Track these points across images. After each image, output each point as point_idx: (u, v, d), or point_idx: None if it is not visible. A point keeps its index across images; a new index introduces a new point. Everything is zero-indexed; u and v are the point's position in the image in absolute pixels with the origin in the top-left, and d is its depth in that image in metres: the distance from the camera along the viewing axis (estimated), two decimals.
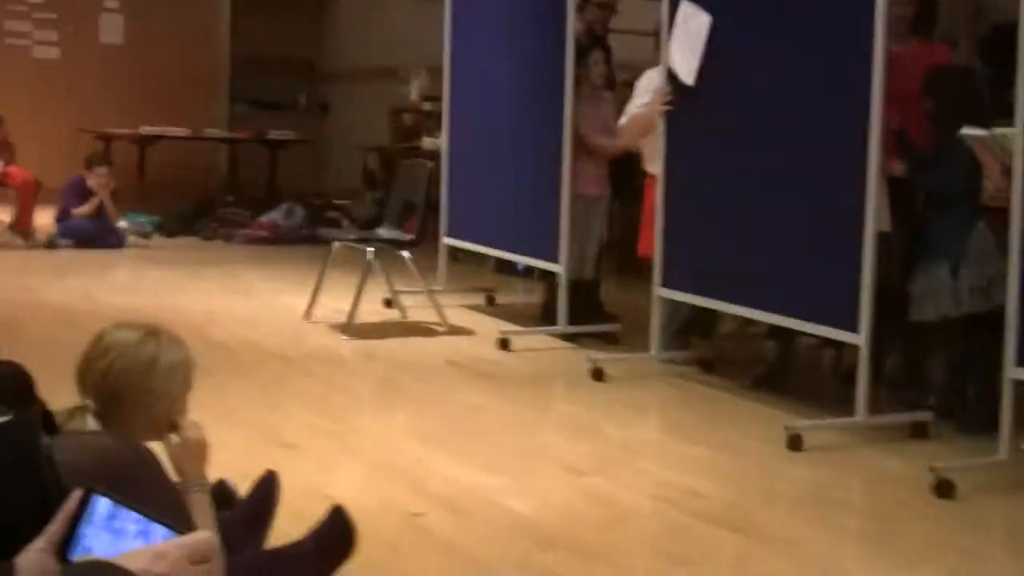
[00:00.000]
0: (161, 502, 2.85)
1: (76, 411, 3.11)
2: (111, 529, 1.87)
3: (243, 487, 3.93)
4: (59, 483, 2.27)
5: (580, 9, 7.89)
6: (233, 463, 4.97)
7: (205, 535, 1.92)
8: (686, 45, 6.78)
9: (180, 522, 2.17)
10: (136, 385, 3.12)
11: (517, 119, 8.29)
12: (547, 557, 4.34)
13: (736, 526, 4.68)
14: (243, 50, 15.62)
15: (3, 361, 3.44)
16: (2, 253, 10.63)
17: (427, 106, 12.78)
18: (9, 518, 1.97)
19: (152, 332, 3.22)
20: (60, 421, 3.04)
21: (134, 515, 1.89)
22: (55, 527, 1.87)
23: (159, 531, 1.90)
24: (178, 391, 3.21)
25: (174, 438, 3.19)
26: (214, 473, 3.45)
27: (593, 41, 8.19)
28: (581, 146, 7.77)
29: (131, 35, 15.05)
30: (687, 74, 6.78)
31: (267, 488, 3.83)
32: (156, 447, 3.02)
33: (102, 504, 1.89)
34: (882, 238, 5.85)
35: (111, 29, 15.01)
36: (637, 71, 9.69)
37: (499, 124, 8.51)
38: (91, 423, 3.07)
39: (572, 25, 7.68)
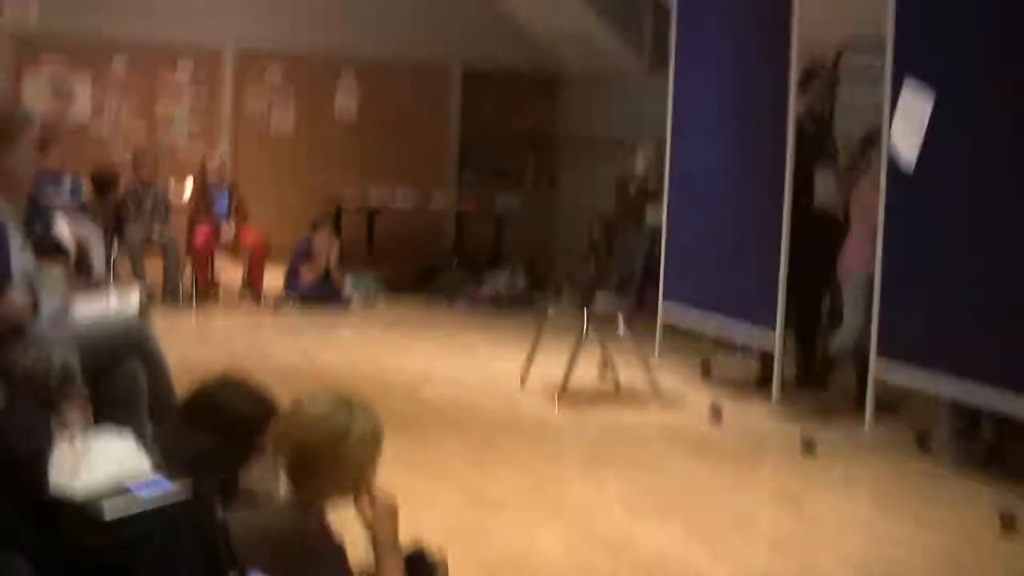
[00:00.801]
0: None
1: (270, 473, 3.20)
2: None
3: (444, 543, 3.96)
4: (232, 556, 2.36)
5: (802, 88, 7.84)
6: (438, 521, 5.08)
7: None
8: (909, 125, 6.68)
9: None
10: (327, 456, 3.20)
11: (739, 196, 8.28)
12: None
13: None
14: (473, 126, 15.89)
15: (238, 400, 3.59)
16: (234, 312, 11.02)
17: (652, 180, 12.79)
18: None
19: (344, 403, 3.29)
20: (254, 481, 3.15)
21: None
22: None
23: None
24: (368, 459, 3.28)
25: (366, 505, 3.25)
26: (418, 529, 3.51)
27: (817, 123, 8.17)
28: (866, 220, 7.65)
29: (364, 110, 15.43)
30: (908, 154, 6.69)
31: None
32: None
33: None
34: None
35: (346, 106, 15.42)
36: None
37: (721, 199, 8.51)
38: (283, 486, 3.15)
39: (793, 112, 7.67)
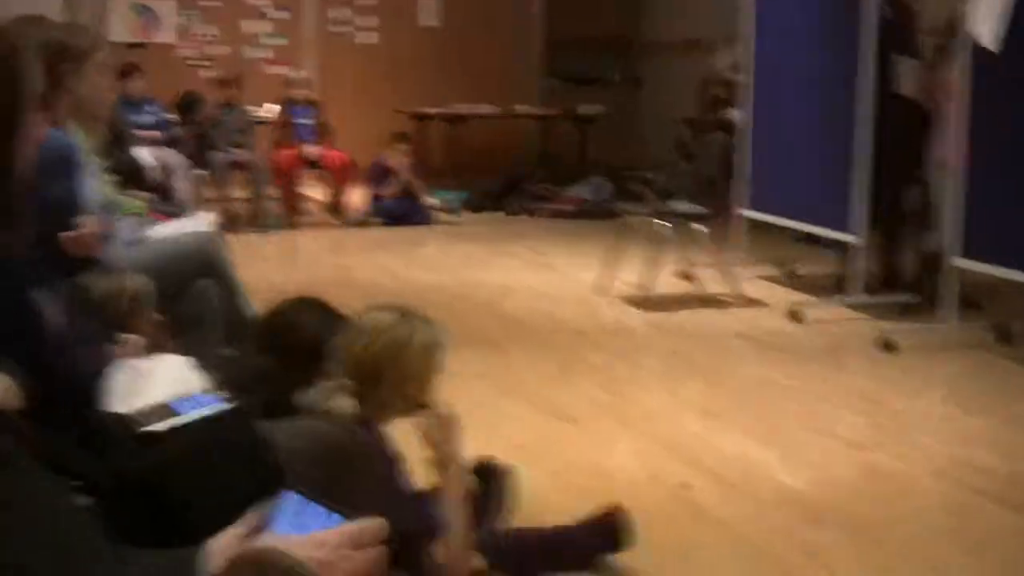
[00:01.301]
0: (374, 489, 2.99)
1: (334, 389, 3.25)
2: (297, 524, 1.95)
3: (518, 456, 4.01)
4: (278, 466, 2.41)
5: None
6: (514, 435, 5.14)
7: (374, 522, 1.96)
8: (990, 9, 6.56)
9: (395, 508, 2.26)
10: (391, 365, 3.23)
11: (816, 88, 8.18)
12: (814, 533, 4.30)
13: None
14: (557, 29, 15.80)
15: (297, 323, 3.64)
16: (319, 232, 11.11)
17: (735, 77, 12.67)
18: (231, 505, 2.06)
19: (406, 314, 3.33)
20: (319, 399, 3.20)
21: (320, 509, 1.97)
22: (250, 516, 1.97)
23: (336, 522, 1.95)
24: (429, 370, 3.31)
25: (426, 417, 3.29)
26: (490, 446, 3.55)
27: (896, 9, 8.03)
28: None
29: (448, 17, 15.39)
30: (991, 41, 6.57)
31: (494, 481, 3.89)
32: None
33: (293, 500, 1.98)
34: None
35: (429, 12, 15.39)
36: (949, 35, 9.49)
37: (799, 95, 8.42)
38: (347, 402, 3.20)
39: None
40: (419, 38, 15.20)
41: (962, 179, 6.87)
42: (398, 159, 11.41)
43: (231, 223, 10.20)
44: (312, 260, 9.98)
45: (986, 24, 6.60)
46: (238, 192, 11.14)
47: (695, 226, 8.17)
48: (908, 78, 7.96)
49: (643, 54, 16.18)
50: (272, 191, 11.29)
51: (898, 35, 8.02)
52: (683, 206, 8.42)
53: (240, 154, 11.12)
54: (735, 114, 11.01)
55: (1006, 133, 6.60)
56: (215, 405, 3.03)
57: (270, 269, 8.67)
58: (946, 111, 7.41)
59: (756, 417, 5.63)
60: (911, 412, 5.76)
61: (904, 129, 7.88)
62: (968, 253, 6.85)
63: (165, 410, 2.98)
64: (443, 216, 11.78)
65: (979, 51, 6.71)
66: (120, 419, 2.91)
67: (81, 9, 12.59)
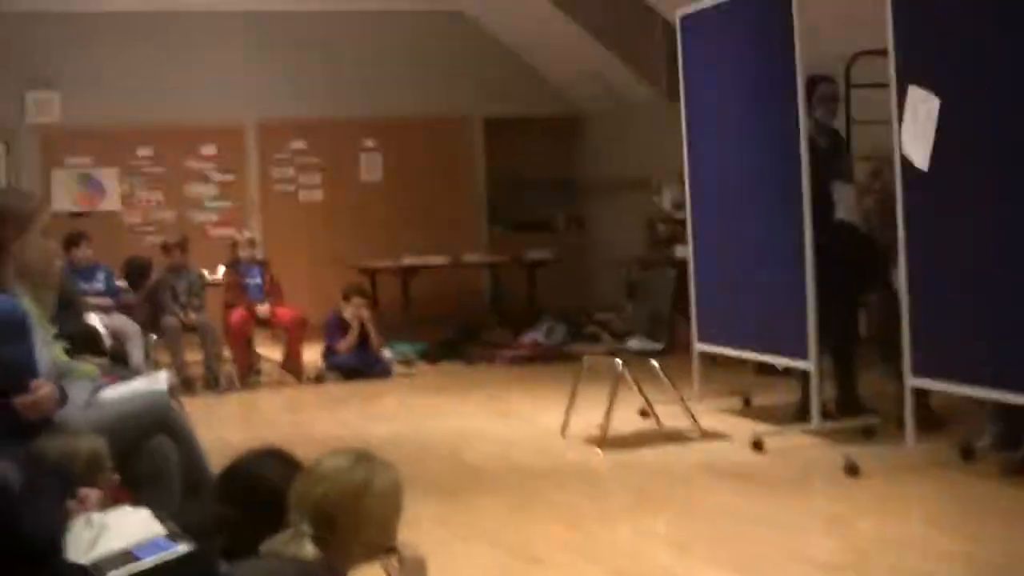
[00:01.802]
0: None
1: (296, 536, 3.20)
2: None
3: None
4: None
5: (809, 101, 7.82)
6: None
7: None
8: (918, 131, 6.68)
9: None
10: (350, 510, 3.20)
11: (759, 219, 8.25)
12: None
13: None
14: (499, 174, 15.97)
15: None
16: (276, 391, 11.05)
17: (679, 214, 12.80)
18: None
19: (364, 457, 3.31)
20: (280, 546, 3.16)
21: None
22: None
23: None
24: (391, 514, 3.28)
25: (393, 560, 3.24)
26: None
27: (828, 134, 8.16)
28: None
29: (389, 172, 15.54)
30: (921, 160, 6.67)
31: None
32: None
33: None
34: None
35: (371, 168, 15.54)
36: (881, 160, 9.64)
37: (742, 226, 8.49)
38: (308, 547, 3.15)
39: (805, 126, 7.65)
40: (363, 193, 15.35)
41: (908, 299, 6.91)
42: (355, 312, 11.38)
43: (186, 386, 10.13)
44: (269, 419, 9.91)
45: (917, 144, 6.71)
46: (192, 355, 11.07)
47: (651, 363, 8.17)
48: (846, 203, 8.07)
49: (586, 195, 16.35)
50: (226, 352, 11.22)
51: (834, 162, 8.15)
52: (638, 343, 8.43)
53: (192, 317, 11.08)
54: (683, 249, 11.12)
55: (944, 250, 6.66)
56: (176, 549, 2.99)
57: (227, 430, 8.59)
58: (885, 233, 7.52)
59: (727, 547, 5.59)
60: (883, 534, 5.73)
61: (847, 254, 7.97)
62: (922, 372, 6.87)
63: (126, 557, 2.96)
64: (400, 368, 11.74)
65: (911, 171, 6.79)
66: (81, 569, 2.86)
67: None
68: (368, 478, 3.24)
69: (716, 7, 8.60)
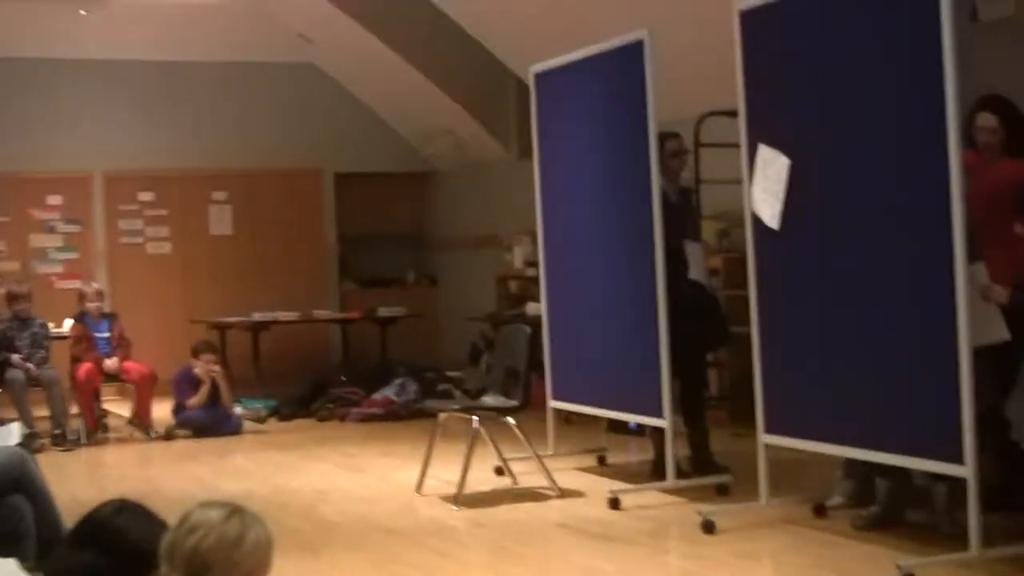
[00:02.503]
0: None
1: None
2: None
3: None
4: None
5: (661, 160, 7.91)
6: None
7: None
8: (768, 190, 6.81)
9: None
10: (224, 560, 3.18)
11: (612, 277, 8.32)
12: None
13: None
14: (350, 229, 15.92)
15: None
16: (125, 447, 10.85)
17: (531, 271, 12.89)
18: None
19: (236, 510, 3.29)
20: None
21: None
22: None
23: None
24: (262, 566, 3.26)
25: None
26: None
27: (679, 193, 8.27)
28: None
29: (239, 225, 15.41)
30: (771, 218, 6.80)
31: None
32: None
33: None
34: (994, 352, 5.80)
35: (220, 221, 15.40)
36: (729, 219, 9.84)
37: (595, 284, 8.55)
38: None
39: (657, 185, 7.75)
40: (212, 247, 15.20)
41: (759, 355, 7.02)
42: (205, 368, 11.23)
43: (33, 442, 9.89)
44: (118, 475, 9.73)
45: (766, 203, 6.82)
46: (38, 410, 10.83)
47: (507, 420, 8.18)
48: (696, 262, 8.19)
49: (438, 251, 16.37)
50: (73, 407, 11.00)
51: (685, 220, 8.27)
52: (493, 400, 8.44)
53: (38, 371, 10.84)
54: (535, 307, 11.18)
55: (793, 308, 6.78)
56: None
57: (76, 486, 8.40)
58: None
59: None
60: None
61: (698, 312, 8.08)
62: (773, 429, 6.97)
63: None
64: (251, 425, 11.61)
65: (761, 229, 6.91)
66: None
67: None
68: (242, 531, 3.23)
69: (570, 64, 8.69)
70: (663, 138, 8.00)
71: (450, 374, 12.94)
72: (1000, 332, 6.06)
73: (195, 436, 11.03)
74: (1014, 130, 6.63)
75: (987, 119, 6.58)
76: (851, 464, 6.90)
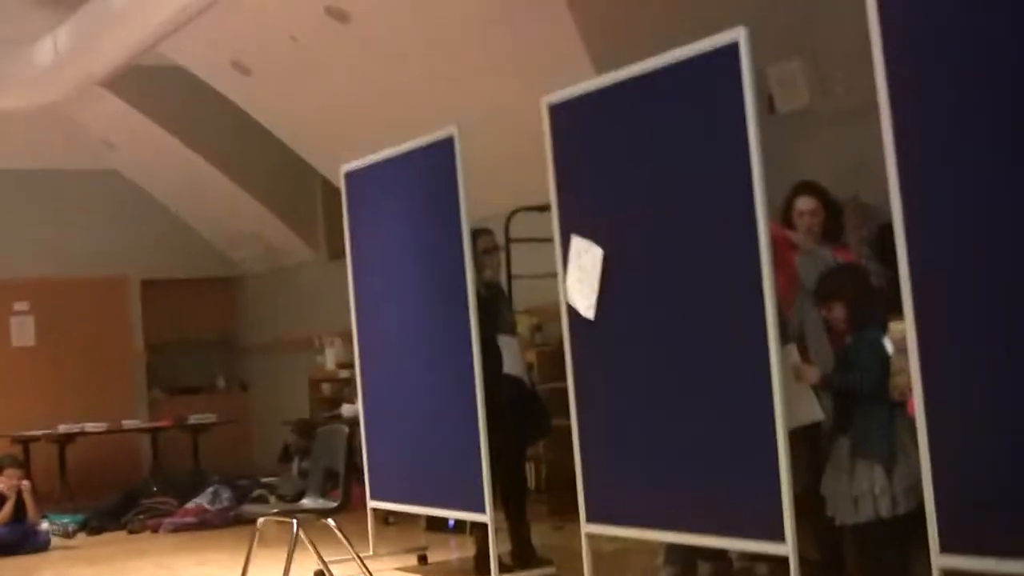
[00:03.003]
0: None
1: None
2: None
3: None
4: None
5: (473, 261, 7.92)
6: None
7: None
8: (582, 280, 6.85)
9: None
10: None
11: (429, 375, 8.28)
12: None
13: None
14: (157, 337, 15.65)
15: None
16: None
17: (344, 373, 12.81)
18: None
19: None
20: None
21: None
22: None
23: None
24: None
25: None
26: None
27: (490, 288, 8.28)
28: None
29: (42, 336, 15.04)
30: (587, 309, 6.84)
31: None
32: None
33: None
34: (808, 432, 5.89)
35: (22, 332, 15.01)
36: (542, 314, 9.89)
37: (412, 381, 8.50)
38: None
39: (471, 281, 7.75)
40: (14, 358, 14.80)
41: (579, 445, 7.02)
42: (9, 484, 10.84)
43: None
44: None
45: (581, 294, 6.87)
46: None
47: (327, 522, 8.05)
48: (511, 356, 8.19)
49: (249, 356, 16.18)
50: None
51: (498, 315, 8.28)
52: (312, 503, 8.30)
53: None
54: (350, 408, 11.09)
55: (611, 396, 6.81)
56: None
57: None
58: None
59: None
60: None
61: (516, 406, 8.08)
62: (595, 518, 6.96)
63: None
64: (59, 541, 11.23)
65: (577, 320, 6.95)
66: None
67: None
68: None
69: (380, 163, 8.69)
70: (475, 234, 8.02)
71: (264, 480, 12.72)
72: (814, 412, 6.17)
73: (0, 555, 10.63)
74: (829, 213, 6.86)
75: (807, 202, 6.78)
76: (672, 549, 6.91)
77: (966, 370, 4.92)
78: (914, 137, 5.05)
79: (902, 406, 5.94)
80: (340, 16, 10.20)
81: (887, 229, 6.06)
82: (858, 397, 6.07)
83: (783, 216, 7.02)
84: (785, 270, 6.81)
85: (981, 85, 4.81)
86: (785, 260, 6.97)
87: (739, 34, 5.79)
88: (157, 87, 13.05)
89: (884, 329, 6.13)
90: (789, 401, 5.77)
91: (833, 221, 6.98)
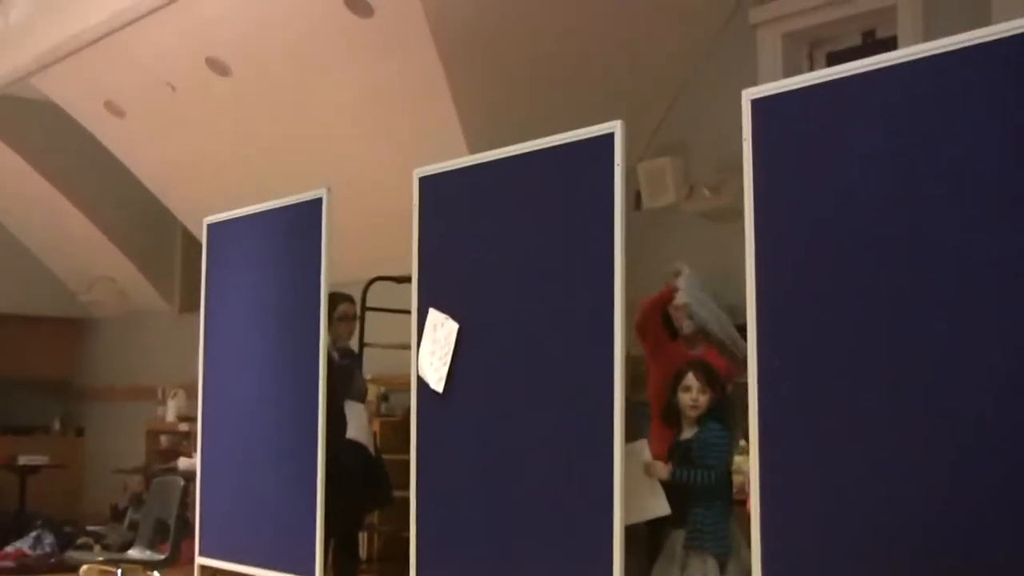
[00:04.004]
0: None
1: None
2: None
3: None
4: None
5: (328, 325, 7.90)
6: None
7: None
8: (435, 353, 6.87)
9: None
10: None
11: (273, 435, 8.20)
12: None
13: None
14: None
15: None
16: None
17: (183, 426, 12.65)
18: None
19: None
20: None
21: None
22: None
23: None
24: None
25: None
26: None
27: (345, 356, 8.27)
28: None
29: None
30: (436, 382, 6.85)
31: None
32: None
33: None
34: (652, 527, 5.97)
35: None
36: (389, 383, 9.91)
37: (255, 440, 8.41)
38: None
39: (324, 345, 7.72)
40: None
41: (416, 519, 7.00)
42: None
43: None
44: None
45: (432, 367, 6.89)
46: None
47: (152, 574, 7.93)
48: (357, 422, 8.17)
49: (88, 400, 15.89)
50: None
51: (348, 381, 8.26)
52: (139, 554, 8.17)
53: None
54: (187, 462, 10.95)
55: (453, 473, 6.79)
56: None
57: None
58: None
59: None
60: None
61: (356, 473, 8.05)
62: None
63: None
64: None
65: (425, 393, 6.96)
66: None
67: None
68: None
69: (244, 218, 8.63)
70: (335, 299, 8.01)
71: (91, 528, 12.47)
72: (660, 507, 6.24)
73: None
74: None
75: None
76: None
77: (802, 472, 5.03)
78: (775, 246, 5.19)
79: (741, 503, 6.05)
80: (220, 69, 10.19)
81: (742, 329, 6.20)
82: (699, 492, 6.17)
83: (663, 302, 7.15)
84: (664, 364, 6.95)
85: (843, 199, 4.96)
86: (665, 353, 7.11)
87: (615, 126, 5.91)
88: (25, 119, 12.88)
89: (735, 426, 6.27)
90: (639, 496, 5.85)
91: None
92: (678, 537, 6.17)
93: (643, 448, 6.30)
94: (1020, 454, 4.35)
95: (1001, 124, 4.52)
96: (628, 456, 5.83)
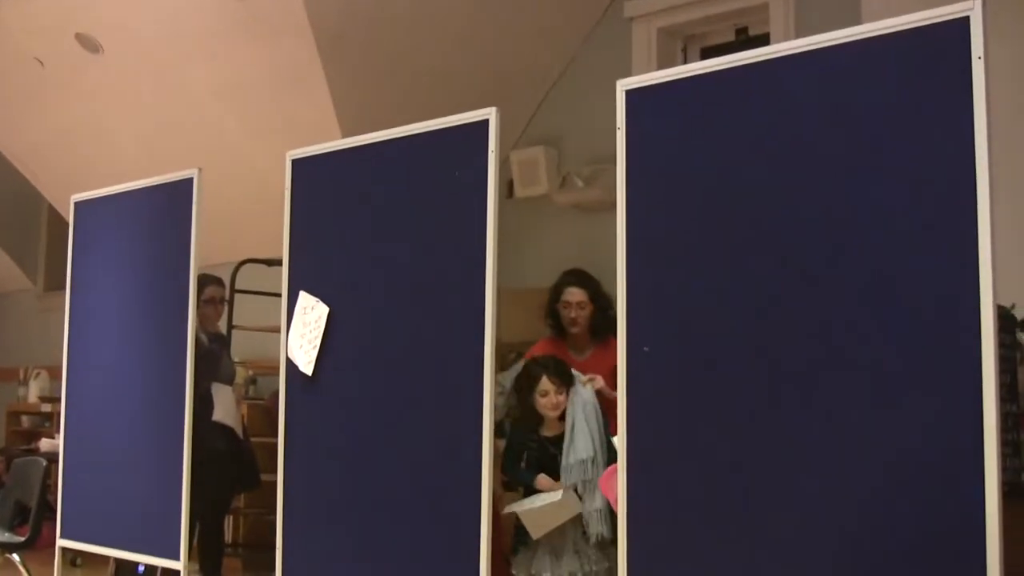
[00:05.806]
0: None
1: None
2: None
3: None
4: None
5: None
6: None
7: None
8: (305, 336, 6.86)
9: None
10: None
11: (138, 417, 8.12)
12: None
13: None
14: None
15: None
16: None
17: (46, 407, 12.47)
18: None
19: None
20: None
21: None
22: None
23: None
24: None
25: None
26: None
27: (214, 339, 8.23)
28: None
29: None
30: (306, 365, 6.84)
31: None
32: None
33: None
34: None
35: None
36: (257, 367, 9.87)
37: (120, 422, 8.31)
38: None
39: (192, 327, 7.66)
40: None
41: (283, 504, 6.98)
42: None
43: None
44: None
45: (302, 350, 6.87)
46: None
47: (10, 557, 7.81)
48: (224, 405, 8.13)
49: None
50: None
51: (216, 363, 8.21)
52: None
53: None
54: (49, 443, 10.79)
55: (320, 458, 6.78)
56: None
57: None
58: None
59: None
60: None
61: (222, 456, 8.02)
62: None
63: None
64: None
65: (295, 376, 6.95)
66: None
67: None
68: None
69: (113, 196, 8.52)
70: (204, 281, 7.95)
71: None
72: (575, 505, 6.37)
73: None
74: (597, 307, 6.94)
75: (576, 293, 6.90)
76: None
77: (672, 460, 5.11)
78: (646, 235, 5.26)
79: None
80: (91, 46, 10.05)
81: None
82: None
83: (551, 300, 7.15)
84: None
85: (713, 190, 5.05)
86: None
87: (490, 112, 5.94)
88: None
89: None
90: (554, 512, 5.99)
91: (602, 315, 7.00)
92: None
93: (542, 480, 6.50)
94: (895, 440, 4.45)
95: (867, 118, 4.63)
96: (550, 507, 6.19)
